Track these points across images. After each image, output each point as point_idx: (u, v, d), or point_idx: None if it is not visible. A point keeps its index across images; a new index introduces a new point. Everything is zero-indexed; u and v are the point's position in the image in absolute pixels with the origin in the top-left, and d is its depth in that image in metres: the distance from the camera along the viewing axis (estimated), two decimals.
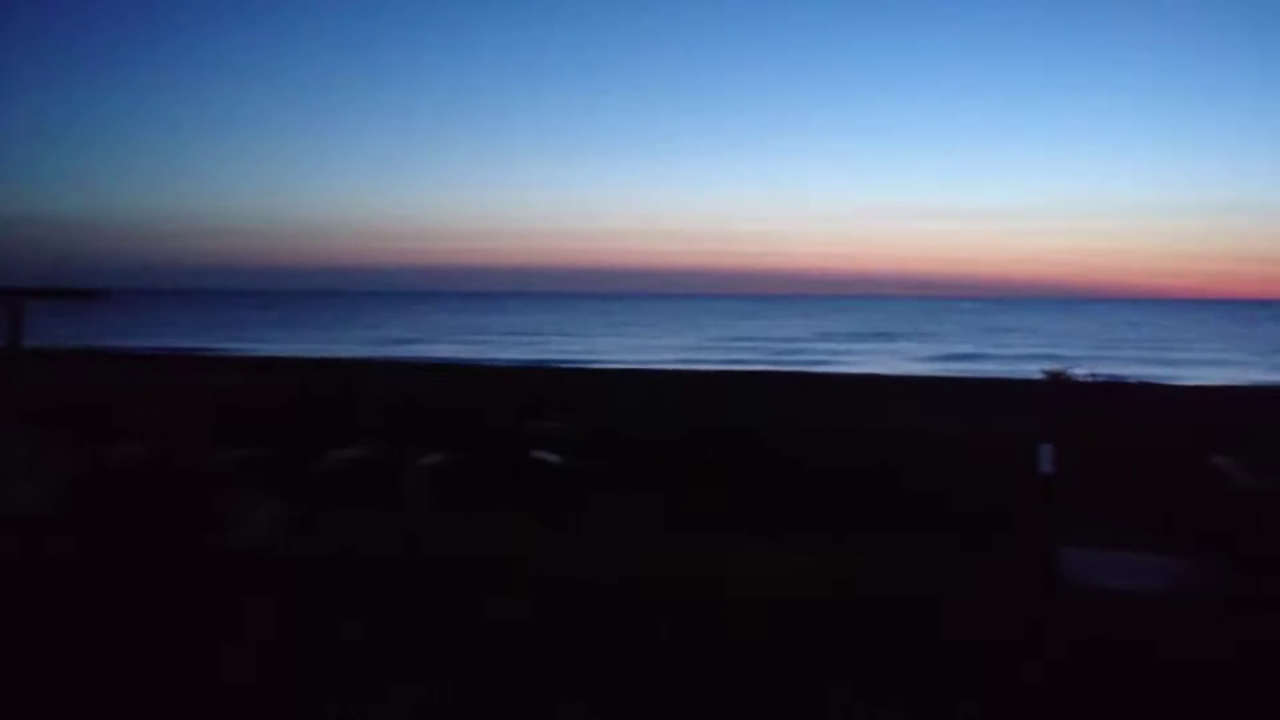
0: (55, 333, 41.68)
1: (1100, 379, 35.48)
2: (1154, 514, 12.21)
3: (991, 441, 18.49)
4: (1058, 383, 33.76)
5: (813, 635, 6.74)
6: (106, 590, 7.12)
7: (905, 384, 36.89)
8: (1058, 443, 17.59)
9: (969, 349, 66.12)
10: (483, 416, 20.33)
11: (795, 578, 8.46)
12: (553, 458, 15.67)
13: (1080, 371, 37.13)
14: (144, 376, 27.44)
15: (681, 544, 10.15)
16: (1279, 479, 14.57)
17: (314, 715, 5.36)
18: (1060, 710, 5.61)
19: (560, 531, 10.88)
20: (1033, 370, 40.18)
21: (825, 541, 10.74)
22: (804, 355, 57.72)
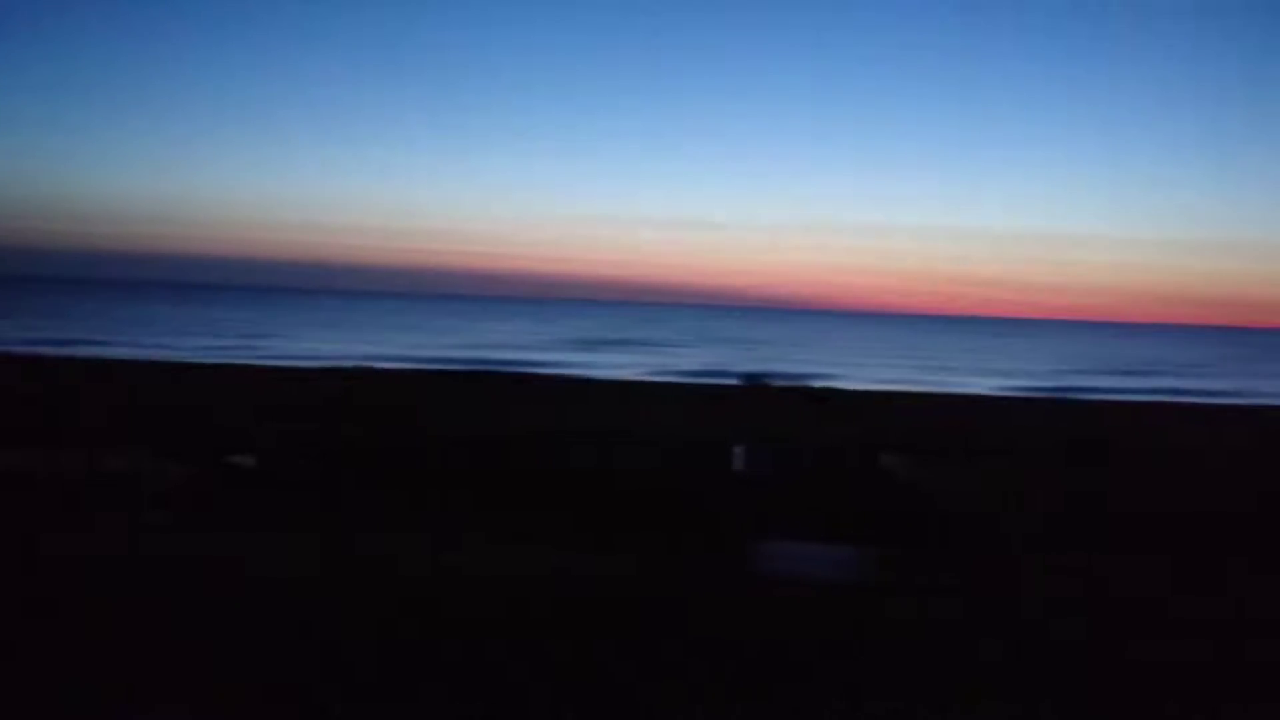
0: None
1: (791, 384, 38.60)
2: (835, 507, 13.69)
3: (693, 443, 19.89)
4: (753, 389, 36.25)
5: (540, 631, 7.31)
6: None
7: (621, 388, 37.87)
8: (751, 444, 19.10)
9: (684, 355, 69.39)
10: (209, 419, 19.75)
11: (524, 577, 9.12)
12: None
13: (774, 379, 40.28)
14: None
15: (410, 544, 10.41)
16: (936, 476, 17.05)
17: None
18: (764, 695, 6.29)
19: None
20: (732, 377, 42.45)
21: (547, 539, 11.27)
22: (535, 361, 58.51)
